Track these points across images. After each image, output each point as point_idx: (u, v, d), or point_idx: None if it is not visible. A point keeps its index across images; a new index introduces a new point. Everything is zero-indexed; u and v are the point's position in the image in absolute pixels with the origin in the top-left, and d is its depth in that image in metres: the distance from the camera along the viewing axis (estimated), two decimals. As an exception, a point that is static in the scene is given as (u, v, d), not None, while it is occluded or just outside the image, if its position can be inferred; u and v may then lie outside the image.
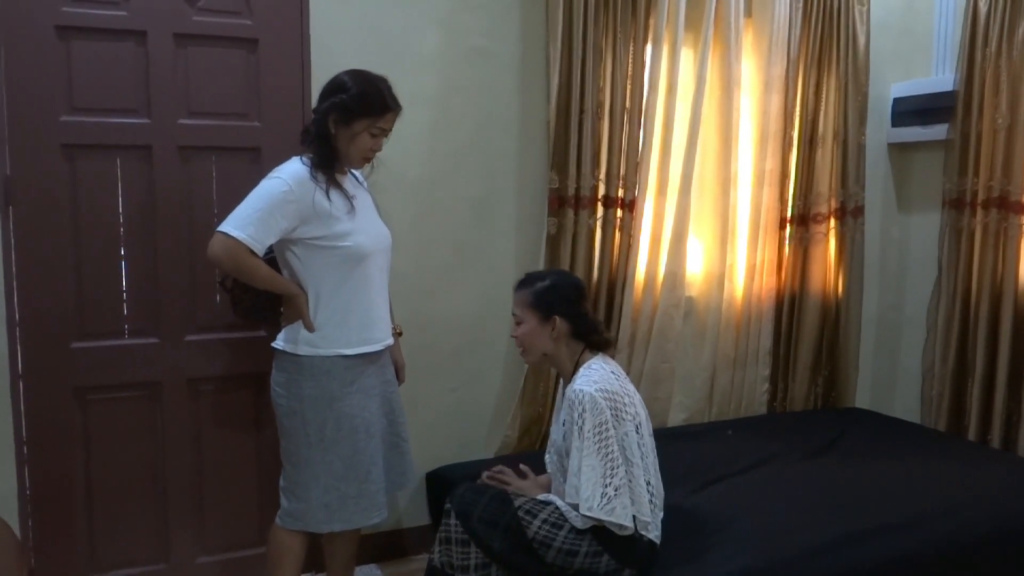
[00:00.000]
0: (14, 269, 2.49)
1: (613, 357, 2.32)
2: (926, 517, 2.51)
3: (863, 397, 3.90)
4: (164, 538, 2.73)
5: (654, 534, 2.17)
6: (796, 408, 3.72)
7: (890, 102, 3.83)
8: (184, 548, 2.76)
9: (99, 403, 2.62)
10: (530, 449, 3.19)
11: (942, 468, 2.95)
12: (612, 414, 2.09)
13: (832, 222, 3.65)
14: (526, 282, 2.29)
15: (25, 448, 2.55)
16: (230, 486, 2.80)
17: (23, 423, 2.54)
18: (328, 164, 2.26)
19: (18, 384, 2.53)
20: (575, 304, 2.26)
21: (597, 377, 2.15)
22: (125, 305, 2.64)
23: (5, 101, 2.44)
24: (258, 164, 2.64)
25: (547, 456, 2.44)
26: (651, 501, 2.16)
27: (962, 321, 3.53)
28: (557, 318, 2.22)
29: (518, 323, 2.27)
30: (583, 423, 2.08)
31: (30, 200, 2.49)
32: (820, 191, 3.60)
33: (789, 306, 3.66)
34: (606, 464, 2.07)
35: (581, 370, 2.21)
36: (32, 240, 2.51)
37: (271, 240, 2.21)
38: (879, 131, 3.83)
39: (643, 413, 2.21)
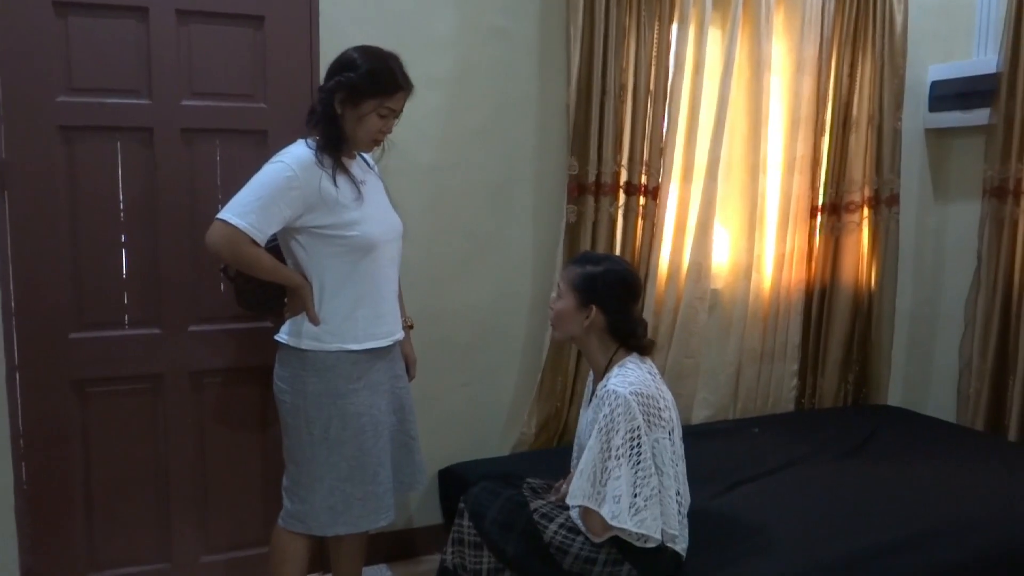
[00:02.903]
0: (9, 257, 2.39)
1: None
2: (969, 525, 2.36)
3: (895, 394, 3.74)
4: (166, 536, 2.64)
5: (681, 546, 2.04)
6: (825, 405, 3.58)
7: (927, 86, 3.66)
8: (187, 547, 2.66)
9: (98, 396, 2.52)
10: (547, 446, 3.07)
11: (983, 471, 2.80)
12: (645, 420, 1.95)
13: (865, 211, 3.50)
14: (580, 260, 2.15)
15: (21, 442, 2.46)
16: (235, 483, 2.70)
17: (19, 416, 2.45)
18: (334, 147, 2.14)
19: (14, 376, 2.43)
20: (620, 300, 2.10)
21: (633, 378, 2.01)
22: (125, 294, 2.54)
23: (0, 81, 2.33)
24: (264, 147, 2.53)
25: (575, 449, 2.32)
26: (679, 511, 2.02)
27: (1003, 315, 3.37)
28: (594, 308, 2.08)
29: (558, 297, 2.15)
30: (610, 425, 1.93)
31: (26, 185, 2.39)
32: (853, 178, 3.45)
33: (819, 299, 3.51)
34: (637, 473, 1.93)
35: (615, 368, 2.06)
36: (28, 227, 2.40)
37: (273, 229, 2.09)
38: (915, 116, 3.66)
39: (676, 418, 2.07)
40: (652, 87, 3.01)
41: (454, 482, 2.81)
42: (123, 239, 2.51)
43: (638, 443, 1.93)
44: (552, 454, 2.91)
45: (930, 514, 2.42)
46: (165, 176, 2.51)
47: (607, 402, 1.96)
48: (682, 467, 2.07)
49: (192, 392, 2.61)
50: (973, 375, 3.50)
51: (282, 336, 2.21)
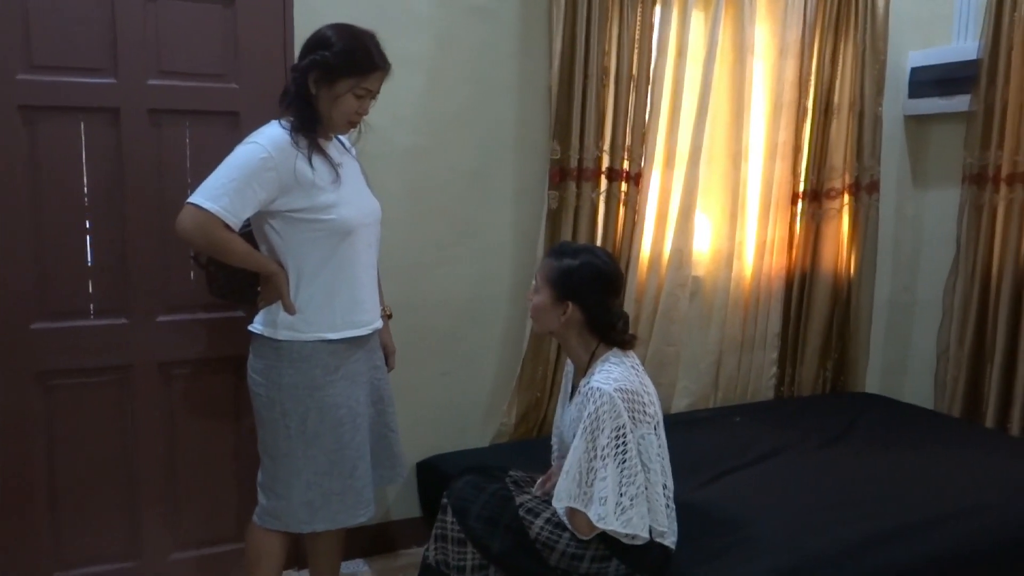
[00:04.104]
0: (-33, 243, 2.28)
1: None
2: (955, 515, 2.35)
3: (873, 381, 3.74)
4: (135, 533, 2.54)
5: (670, 540, 2.00)
6: (804, 393, 3.56)
7: (907, 72, 3.63)
8: (157, 543, 2.57)
9: (63, 389, 2.42)
10: (527, 437, 3.02)
11: (965, 458, 2.79)
12: (630, 416, 1.90)
13: (846, 198, 3.47)
14: (557, 253, 2.07)
15: (-18, 437, 2.35)
16: (206, 477, 2.61)
17: (-21, 410, 2.34)
18: (309, 128, 2.05)
19: (-27, 368, 2.32)
20: (598, 295, 2.02)
21: (617, 374, 1.95)
22: (90, 282, 2.43)
23: (-46, 57, 2.22)
24: (236, 130, 2.43)
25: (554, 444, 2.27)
26: (667, 505, 1.98)
27: (981, 302, 3.36)
28: (570, 304, 2.01)
29: (536, 291, 2.08)
30: (595, 424, 1.88)
31: (-17, 167, 2.28)
32: (834, 165, 3.42)
33: (799, 286, 3.48)
34: (623, 472, 1.88)
35: (598, 363, 2.00)
36: (-14, 211, 2.29)
37: (248, 213, 2.00)
38: (895, 102, 3.63)
39: (659, 411, 2.02)
40: (635, 71, 2.95)
41: (433, 474, 2.75)
42: (88, 225, 2.41)
43: (623, 441, 1.88)
44: (532, 445, 2.86)
45: (915, 504, 2.40)
46: (132, 159, 2.40)
47: (591, 400, 1.90)
48: (667, 459, 2.02)
49: (161, 384, 2.52)
50: (951, 362, 3.49)
51: (256, 326, 2.12)
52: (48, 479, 2.43)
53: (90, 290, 2.43)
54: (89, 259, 2.42)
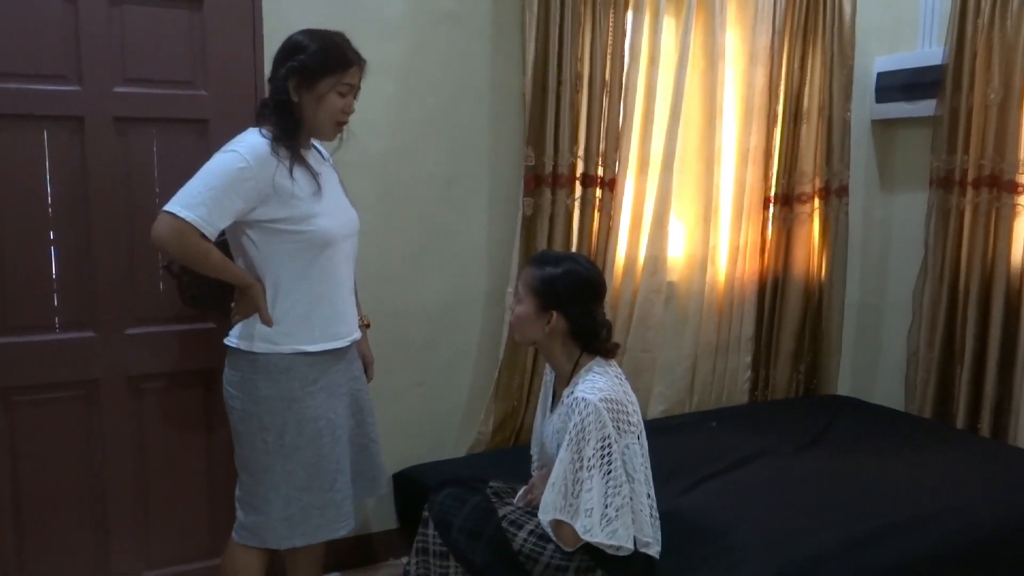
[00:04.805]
0: (-75, 256, 2.20)
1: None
2: (934, 516, 2.38)
3: (844, 383, 3.77)
4: (104, 552, 2.47)
5: (654, 550, 1.98)
6: (778, 396, 3.58)
7: (874, 77, 3.68)
8: (127, 563, 2.49)
9: (27, 405, 2.34)
10: (504, 446, 2.99)
11: (939, 460, 2.83)
12: (615, 426, 1.88)
13: (816, 202, 3.50)
14: (539, 261, 2.05)
15: (-58, 457, 2.27)
16: (178, 493, 2.54)
17: (-61, 429, 2.26)
18: (292, 136, 2.01)
19: (-67, 386, 2.24)
20: (582, 303, 2.00)
21: (602, 384, 1.93)
22: (55, 295, 2.36)
23: (-90, 64, 2.14)
24: (205, 138, 2.39)
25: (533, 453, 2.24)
26: (651, 514, 1.97)
27: (949, 304, 3.41)
28: (554, 313, 1.99)
29: (518, 301, 2.05)
30: (581, 435, 1.86)
31: (-58, 177, 2.20)
32: (804, 169, 3.44)
33: (772, 290, 3.50)
34: (608, 483, 1.86)
35: (582, 373, 1.98)
36: (-55, 223, 2.21)
37: (225, 223, 1.96)
38: (862, 107, 3.67)
39: (642, 420, 2.01)
40: (608, 77, 2.94)
41: (411, 486, 2.72)
42: (52, 236, 2.33)
43: (608, 452, 1.86)
44: (509, 454, 2.84)
45: (893, 507, 2.42)
46: (97, 168, 2.34)
47: (576, 411, 1.88)
48: (649, 468, 2.01)
49: (131, 398, 2.45)
50: (920, 363, 3.53)
51: (232, 339, 2.07)
52: (12, 498, 2.35)
53: (55, 303, 2.36)
54: (54, 271, 2.35)
